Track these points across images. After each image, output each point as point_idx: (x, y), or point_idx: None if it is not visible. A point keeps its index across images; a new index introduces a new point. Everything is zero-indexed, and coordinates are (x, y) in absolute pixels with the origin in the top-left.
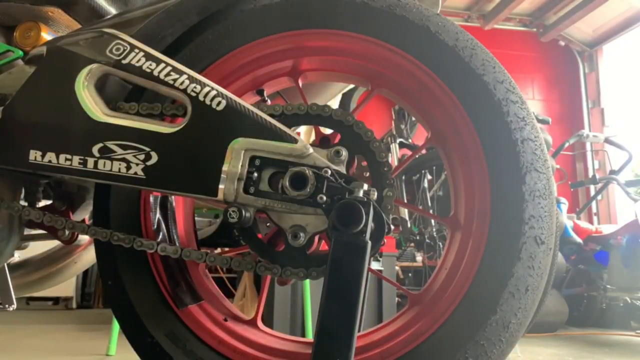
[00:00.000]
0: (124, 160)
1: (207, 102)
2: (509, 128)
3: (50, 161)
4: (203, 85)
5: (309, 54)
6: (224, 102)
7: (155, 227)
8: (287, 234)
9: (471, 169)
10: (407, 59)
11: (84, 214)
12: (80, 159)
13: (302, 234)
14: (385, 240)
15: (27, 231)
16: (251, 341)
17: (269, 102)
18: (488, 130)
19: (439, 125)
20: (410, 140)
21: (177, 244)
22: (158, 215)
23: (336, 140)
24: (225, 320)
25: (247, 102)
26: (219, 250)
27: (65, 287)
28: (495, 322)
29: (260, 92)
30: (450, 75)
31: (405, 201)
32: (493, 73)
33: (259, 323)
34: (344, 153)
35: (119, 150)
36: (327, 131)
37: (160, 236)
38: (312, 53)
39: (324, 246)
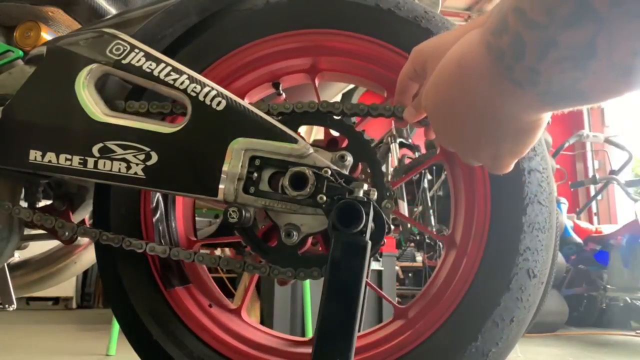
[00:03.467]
0: (124, 160)
1: (207, 102)
2: None
3: (50, 161)
4: (203, 85)
5: (329, 54)
6: (224, 102)
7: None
8: (281, 231)
9: (474, 191)
10: None
11: (84, 214)
12: (80, 159)
13: (295, 233)
14: (385, 240)
15: (27, 231)
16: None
17: (283, 95)
18: None
19: None
20: (410, 141)
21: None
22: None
23: (344, 145)
24: (210, 306)
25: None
26: (212, 250)
27: (65, 287)
28: (475, 348)
29: (276, 85)
30: None
31: (405, 201)
32: None
33: (243, 314)
34: (349, 158)
35: (119, 150)
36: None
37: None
38: (332, 53)
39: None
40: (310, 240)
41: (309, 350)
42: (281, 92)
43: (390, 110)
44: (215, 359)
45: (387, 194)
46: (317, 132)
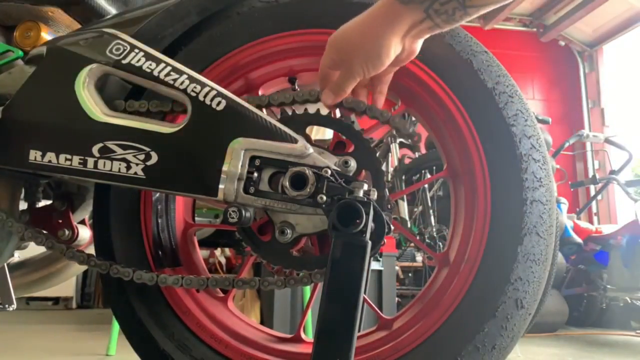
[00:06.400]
0: (124, 160)
1: (207, 102)
2: (522, 185)
3: (50, 161)
4: (203, 85)
5: None
6: (224, 102)
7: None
8: (276, 228)
9: (475, 213)
10: (442, 87)
11: (84, 214)
12: (80, 159)
13: (289, 231)
14: (385, 240)
15: None
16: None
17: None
18: (501, 181)
19: (455, 162)
20: (410, 141)
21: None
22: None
23: (350, 149)
24: (197, 291)
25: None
26: (212, 250)
27: (65, 287)
28: None
29: (292, 81)
30: (479, 117)
31: (406, 201)
32: (523, 126)
33: (230, 303)
34: (352, 164)
35: (119, 150)
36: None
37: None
38: None
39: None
40: (303, 240)
41: (290, 348)
42: (296, 87)
43: (315, 95)
44: (195, 343)
45: (388, 206)
46: (317, 132)
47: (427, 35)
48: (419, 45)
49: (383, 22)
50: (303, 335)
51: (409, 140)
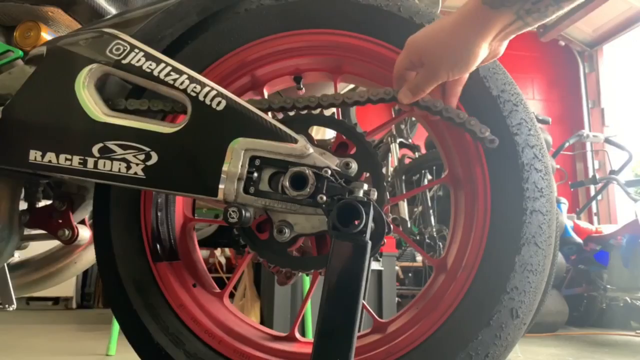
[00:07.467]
0: (124, 160)
1: (207, 102)
2: (522, 195)
3: (50, 161)
4: (203, 85)
5: (356, 58)
6: (224, 102)
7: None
8: (274, 227)
9: (474, 220)
10: None
11: (84, 214)
12: (80, 159)
13: (287, 230)
14: (385, 240)
15: (27, 231)
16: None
17: (303, 90)
18: (502, 190)
19: (457, 168)
20: (410, 140)
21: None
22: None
23: (352, 151)
24: (194, 285)
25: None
26: (212, 250)
27: (65, 287)
28: None
29: (297, 80)
30: (483, 124)
31: (405, 201)
32: (527, 135)
33: (225, 300)
34: (353, 166)
35: (119, 150)
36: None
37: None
38: (359, 58)
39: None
40: (301, 240)
41: (284, 347)
42: (301, 86)
43: (391, 94)
44: (189, 337)
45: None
46: (317, 132)
47: (515, 35)
48: (504, 46)
49: (472, 28)
50: (297, 335)
51: (409, 141)
